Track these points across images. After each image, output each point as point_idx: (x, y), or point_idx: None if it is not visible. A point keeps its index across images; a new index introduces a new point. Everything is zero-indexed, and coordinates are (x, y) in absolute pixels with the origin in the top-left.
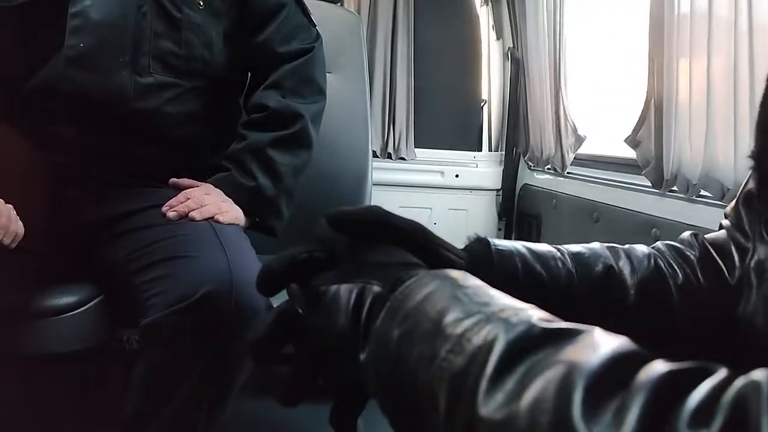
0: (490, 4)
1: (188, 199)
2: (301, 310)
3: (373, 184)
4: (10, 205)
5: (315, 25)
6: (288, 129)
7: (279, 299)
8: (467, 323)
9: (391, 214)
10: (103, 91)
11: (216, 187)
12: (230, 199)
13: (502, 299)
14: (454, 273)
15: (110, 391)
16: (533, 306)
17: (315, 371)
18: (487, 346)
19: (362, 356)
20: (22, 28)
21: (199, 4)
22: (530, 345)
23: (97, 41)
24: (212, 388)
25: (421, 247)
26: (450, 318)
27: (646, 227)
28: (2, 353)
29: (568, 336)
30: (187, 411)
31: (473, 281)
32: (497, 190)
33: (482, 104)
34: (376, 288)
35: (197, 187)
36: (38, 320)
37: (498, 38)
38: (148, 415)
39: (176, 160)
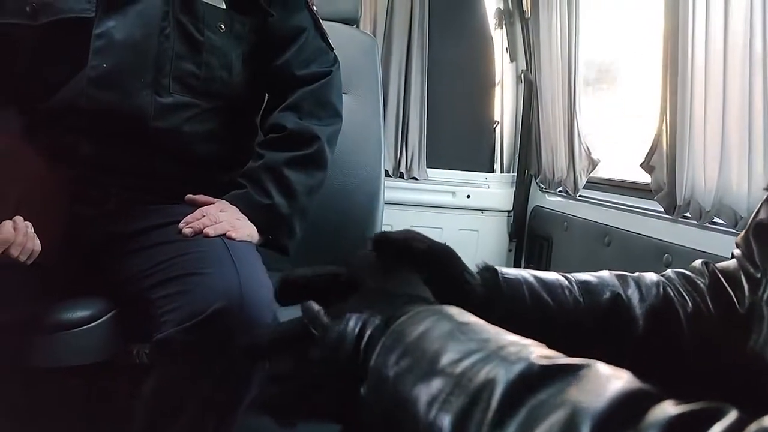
0: (504, 26)
1: (203, 216)
2: (314, 330)
3: (385, 203)
4: (29, 222)
5: (333, 49)
6: (304, 150)
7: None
8: (466, 363)
9: (425, 238)
10: (123, 109)
11: (231, 204)
12: (245, 216)
13: (500, 336)
14: (451, 309)
15: (120, 404)
16: (533, 342)
17: (313, 392)
18: (488, 387)
19: (362, 390)
20: (46, 47)
21: (221, 27)
22: (531, 385)
23: (120, 61)
24: (221, 404)
25: (448, 271)
26: (447, 358)
27: (658, 253)
28: (16, 365)
29: (570, 373)
30: (196, 427)
31: (469, 317)
32: (508, 212)
33: (495, 125)
34: (377, 321)
35: (213, 204)
36: (52, 334)
37: (511, 60)
38: (160, 428)
39: (193, 178)
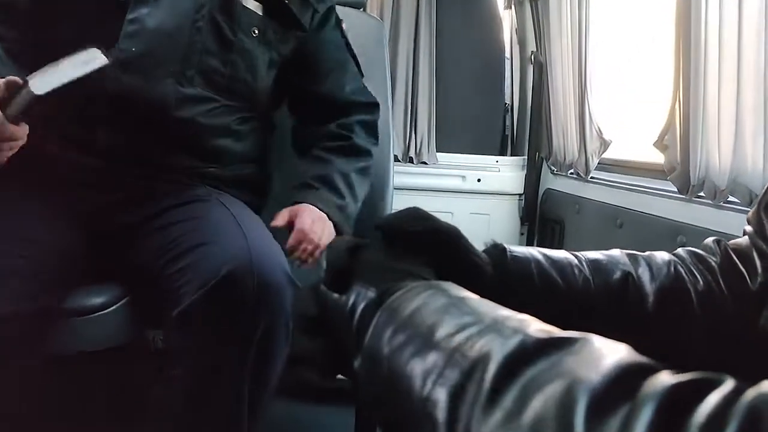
0: (513, 8)
1: (302, 241)
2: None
3: (395, 189)
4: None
5: (362, 74)
6: (364, 161)
7: (298, 273)
8: (460, 337)
9: (431, 217)
10: (145, 96)
11: (310, 204)
12: (324, 216)
13: (495, 311)
14: (444, 284)
15: (136, 390)
16: (529, 317)
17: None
18: (483, 361)
19: (356, 363)
20: (77, 26)
21: (254, 32)
22: (526, 358)
23: (149, 48)
24: (251, 379)
25: (454, 250)
26: (442, 332)
27: (671, 233)
28: (32, 353)
29: (565, 346)
30: (230, 404)
31: (464, 292)
32: (520, 195)
33: (505, 108)
34: (371, 294)
35: (297, 214)
36: (67, 320)
37: (521, 42)
38: (194, 411)
39: (207, 170)
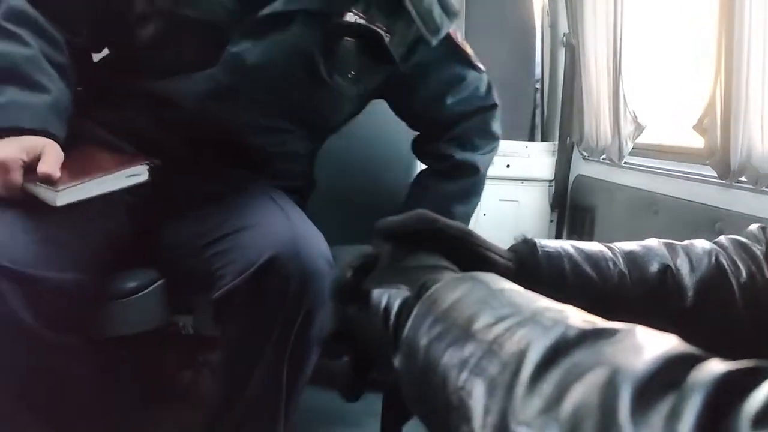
0: None
1: None
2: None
3: None
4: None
5: (480, 69)
6: (466, 180)
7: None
8: (499, 328)
9: (439, 219)
10: (226, 122)
11: None
12: None
13: (535, 302)
14: (484, 276)
15: (166, 373)
16: (570, 307)
17: (369, 365)
18: (521, 352)
19: (395, 362)
20: (176, 51)
21: (351, 73)
22: (567, 347)
23: (243, 81)
24: (289, 361)
25: (467, 251)
26: (480, 323)
27: (709, 221)
28: (70, 336)
29: (608, 335)
30: (268, 389)
31: (504, 284)
32: (549, 181)
33: (535, 92)
34: (404, 292)
35: None
36: (102, 304)
37: (552, 25)
38: (233, 396)
39: (261, 183)
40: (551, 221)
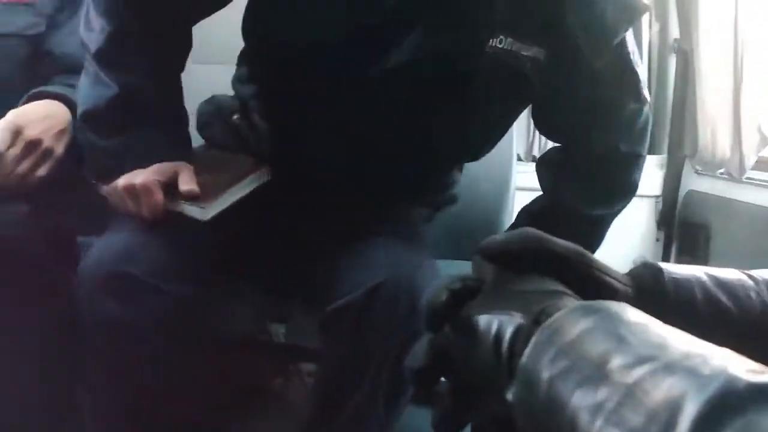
0: None
1: None
2: (448, 340)
3: (517, 189)
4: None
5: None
6: (586, 230)
7: None
8: (640, 371)
9: (547, 238)
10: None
11: None
12: None
13: (681, 341)
14: (614, 305)
15: (257, 381)
16: (726, 350)
17: (469, 401)
18: (673, 405)
19: (509, 395)
20: (365, 99)
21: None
22: (734, 405)
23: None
24: (390, 384)
25: (579, 273)
26: (616, 362)
27: None
28: (173, 337)
29: None
30: (369, 410)
31: (639, 316)
32: (657, 197)
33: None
34: (518, 320)
35: None
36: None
37: (662, 29)
38: (330, 413)
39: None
40: (657, 240)
